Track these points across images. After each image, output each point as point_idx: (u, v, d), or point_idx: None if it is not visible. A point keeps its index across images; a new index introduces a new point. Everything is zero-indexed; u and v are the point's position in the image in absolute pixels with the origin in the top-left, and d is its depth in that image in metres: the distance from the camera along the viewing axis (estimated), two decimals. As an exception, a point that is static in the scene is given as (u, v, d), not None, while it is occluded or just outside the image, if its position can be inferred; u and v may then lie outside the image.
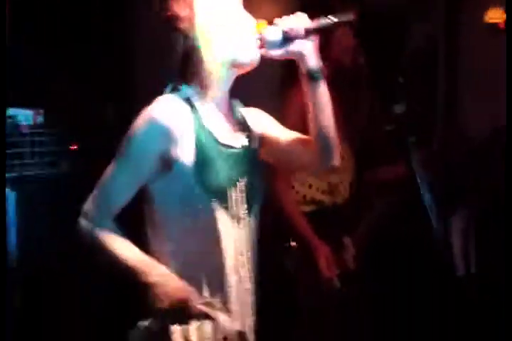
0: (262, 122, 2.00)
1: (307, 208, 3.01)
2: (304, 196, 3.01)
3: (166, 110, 1.78)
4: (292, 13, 1.83)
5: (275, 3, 4.88)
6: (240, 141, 1.90)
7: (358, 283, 3.06)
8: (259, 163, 1.96)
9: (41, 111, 3.79)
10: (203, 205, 1.78)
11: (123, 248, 1.79)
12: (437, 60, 4.62)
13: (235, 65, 1.84)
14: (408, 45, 4.75)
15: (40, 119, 3.77)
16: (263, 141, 1.98)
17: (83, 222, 1.82)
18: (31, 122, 3.73)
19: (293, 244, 2.98)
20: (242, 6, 1.87)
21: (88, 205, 1.82)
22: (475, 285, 3.28)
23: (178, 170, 1.77)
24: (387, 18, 4.66)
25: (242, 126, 1.95)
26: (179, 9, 1.79)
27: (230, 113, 1.94)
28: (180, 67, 1.81)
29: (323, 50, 2.73)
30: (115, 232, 1.80)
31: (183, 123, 1.78)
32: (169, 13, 1.80)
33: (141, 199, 1.86)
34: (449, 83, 4.60)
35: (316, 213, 3.01)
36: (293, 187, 2.99)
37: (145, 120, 1.77)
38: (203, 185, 1.76)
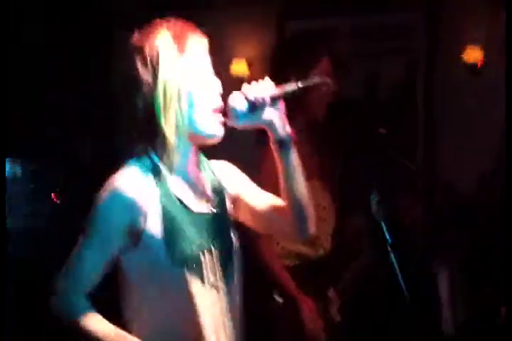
0: (235, 181, 1.95)
1: (291, 262, 2.98)
2: (288, 250, 2.97)
3: (129, 182, 1.73)
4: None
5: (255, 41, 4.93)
6: (211, 206, 1.85)
7: (344, 335, 3.03)
8: (231, 227, 1.91)
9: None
10: (175, 275, 1.74)
11: (95, 323, 1.75)
12: (416, 102, 4.65)
13: (193, 137, 1.79)
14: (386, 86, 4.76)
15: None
16: (237, 202, 1.93)
17: (54, 300, 1.77)
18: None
19: (278, 299, 2.94)
20: (211, 68, 1.82)
21: (59, 283, 1.77)
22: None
23: (147, 241, 1.73)
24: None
25: (213, 187, 1.89)
26: (143, 70, 1.74)
27: (199, 172, 1.88)
28: (144, 129, 1.77)
29: (298, 105, 2.74)
30: (87, 308, 1.76)
31: (149, 193, 1.73)
32: (135, 73, 1.75)
33: (113, 270, 1.81)
34: (427, 127, 4.63)
35: (300, 266, 2.97)
36: (277, 243, 2.95)
37: (109, 193, 1.72)
38: (173, 254, 1.73)
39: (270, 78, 2.61)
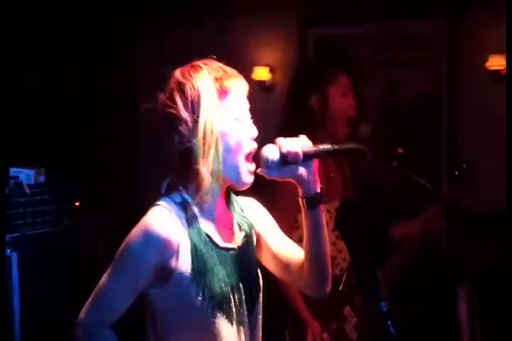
0: (260, 220, 1.94)
1: None
2: None
3: (161, 221, 1.73)
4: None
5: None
6: (239, 241, 1.85)
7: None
8: (258, 261, 1.91)
9: (42, 169, 3.78)
10: (203, 311, 1.74)
11: None
12: (440, 107, 4.63)
13: (224, 181, 1.79)
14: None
15: (41, 178, 3.76)
16: (258, 241, 1.93)
17: (80, 332, 1.76)
18: (32, 181, 3.72)
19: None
20: (248, 113, 1.81)
21: (84, 315, 1.76)
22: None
23: (176, 279, 1.73)
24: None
25: (241, 224, 1.89)
26: (182, 108, 1.74)
27: (227, 209, 1.88)
28: (177, 167, 1.77)
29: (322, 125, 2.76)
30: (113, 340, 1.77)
31: (180, 232, 1.73)
32: (173, 111, 1.75)
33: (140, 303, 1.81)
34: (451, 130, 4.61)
35: None
36: None
37: (141, 232, 1.72)
38: (203, 292, 1.73)
39: (290, 99, 2.60)
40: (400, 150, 3.06)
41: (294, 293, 2.86)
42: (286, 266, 1.89)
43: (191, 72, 1.77)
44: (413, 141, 4.71)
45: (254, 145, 1.78)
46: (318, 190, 1.78)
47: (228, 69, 1.80)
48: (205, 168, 1.73)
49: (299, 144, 1.74)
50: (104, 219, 4.19)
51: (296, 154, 1.72)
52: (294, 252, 1.89)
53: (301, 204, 1.79)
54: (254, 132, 1.79)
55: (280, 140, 1.74)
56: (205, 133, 1.72)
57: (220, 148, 1.74)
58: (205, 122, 1.72)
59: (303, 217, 1.81)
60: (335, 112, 2.89)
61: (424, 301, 4.08)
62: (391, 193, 4.17)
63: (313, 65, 3.13)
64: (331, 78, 2.90)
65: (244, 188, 1.81)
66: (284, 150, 1.72)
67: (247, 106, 1.81)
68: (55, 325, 3.66)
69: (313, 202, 1.77)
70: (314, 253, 1.81)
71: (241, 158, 1.77)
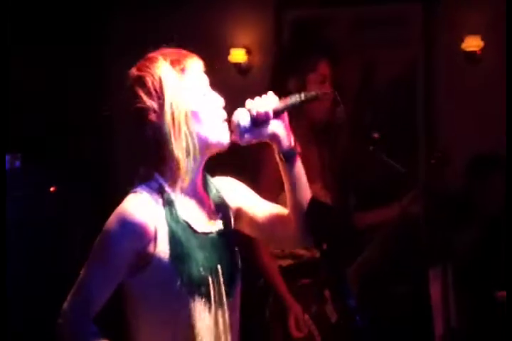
0: (237, 194, 1.97)
1: (285, 262, 2.98)
2: (283, 250, 2.97)
3: (137, 208, 1.75)
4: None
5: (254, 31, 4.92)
6: (217, 224, 1.88)
7: (341, 334, 3.02)
8: (236, 244, 1.93)
9: (18, 155, 3.74)
10: (182, 296, 1.76)
11: None
12: (416, 89, 4.63)
13: (204, 151, 1.82)
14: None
15: (17, 163, 3.71)
16: (239, 214, 1.95)
17: (62, 323, 1.77)
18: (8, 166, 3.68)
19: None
20: (209, 88, 1.85)
21: (67, 306, 1.77)
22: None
23: (155, 265, 1.75)
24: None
25: (218, 205, 1.92)
26: (147, 98, 1.77)
27: (204, 193, 1.91)
28: (151, 154, 1.79)
29: (300, 110, 2.74)
30: (93, 333, 1.76)
31: (157, 218, 1.76)
32: (139, 105, 1.78)
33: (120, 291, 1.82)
34: (427, 112, 4.62)
35: (295, 266, 2.98)
36: None
37: (117, 219, 1.75)
38: (182, 276, 1.75)
39: (271, 85, 2.64)
40: (376, 135, 3.08)
41: (275, 275, 2.88)
42: (270, 225, 1.93)
43: (147, 64, 1.81)
44: (389, 123, 4.71)
45: (224, 114, 1.82)
46: (293, 144, 1.82)
47: (182, 51, 1.84)
48: (179, 150, 1.75)
49: (267, 102, 1.78)
50: (80, 204, 4.18)
51: (266, 114, 1.77)
52: (275, 210, 1.94)
53: (278, 160, 1.84)
54: (221, 101, 1.83)
55: (248, 102, 1.78)
56: (173, 114, 1.75)
57: (192, 126, 1.77)
58: (171, 103, 1.76)
59: (282, 173, 1.85)
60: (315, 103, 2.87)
61: (400, 283, 4.12)
62: (368, 179, 4.18)
63: (294, 51, 3.11)
64: (312, 66, 2.91)
65: (222, 149, 1.83)
66: (254, 112, 1.76)
67: (207, 80, 1.85)
68: (29, 310, 3.65)
69: (289, 155, 1.82)
70: (299, 202, 1.85)
71: (214, 125, 1.80)
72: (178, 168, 1.76)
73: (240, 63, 4.83)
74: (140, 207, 1.75)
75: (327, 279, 2.98)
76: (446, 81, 4.54)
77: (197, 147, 1.78)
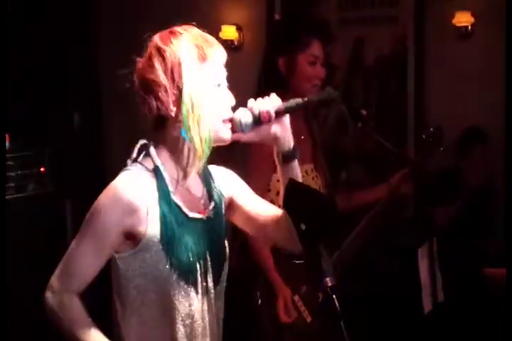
0: (231, 185, 1.96)
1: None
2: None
3: (129, 185, 1.74)
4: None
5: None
6: (207, 211, 1.86)
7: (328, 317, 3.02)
8: (226, 230, 1.93)
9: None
10: (169, 280, 1.76)
11: (82, 325, 1.76)
12: (406, 65, 4.61)
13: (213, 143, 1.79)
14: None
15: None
16: (231, 205, 1.95)
17: (49, 296, 1.78)
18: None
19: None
20: (225, 82, 1.81)
21: (54, 280, 1.78)
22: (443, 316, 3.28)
23: (144, 244, 1.74)
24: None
25: (212, 193, 1.90)
26: (164, 78, 1.72)
27: (199, 178, 1.89)
28: (151, 132, 1.78)
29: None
30: (79, 309, 1.77)
31: (149, 199, 1.75)
32: (151, 76, 1.73)
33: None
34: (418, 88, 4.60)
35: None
36: None
37: (109, 196, 1.74)
38: (170, 261, 1.75)
39: (262, 64, 2.61)
40: (364, 112, 3.06)
41: (265, 257, 2.86)
42: (262, 225, 1.92)
43: (171, 38, 1.75)
44: (380, 100, 4.70)
45: (231, 114, 1.78)
46: (292, 145, 1.82)
47: (209, 37, 1.79)
48: (193, 134, 1.73)
49: (270, 103, 1.77)
50: (69, 184, 4.17)
51: (268, 113, 1.75)
52: (268, 210, 1.93)
53: (277, 160, 1.83)
54: (233, 101, 1.80)
55: (251, 101, 1.77)
56: (192, 101, 1.72)
57: (208, 114, 1.74)
58: (190, 89, 1.72)
59: (279, 174, 1.85)
60: (301, 79, 2.89)
61: (388, 262, 4.14)
62: (357, 158, 4.18)
63: (285, 29, 3.06)
64: (303, 45, 2.87)
65: (226, 144, 1.81)
66: (256, 111, 1.75)
67: (226, 74, 1.81)
68: (21, 291, 3.64)
69: (289, 156, 1.81)
70: None
71: (219, 121, 1.78)
72: (197, 154, 1.75)
73: (230, 40, 4.81)
74: (132, 184, 1.74)
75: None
76: (436, 57, 4.51)
77: (212, 136, 1.75)
